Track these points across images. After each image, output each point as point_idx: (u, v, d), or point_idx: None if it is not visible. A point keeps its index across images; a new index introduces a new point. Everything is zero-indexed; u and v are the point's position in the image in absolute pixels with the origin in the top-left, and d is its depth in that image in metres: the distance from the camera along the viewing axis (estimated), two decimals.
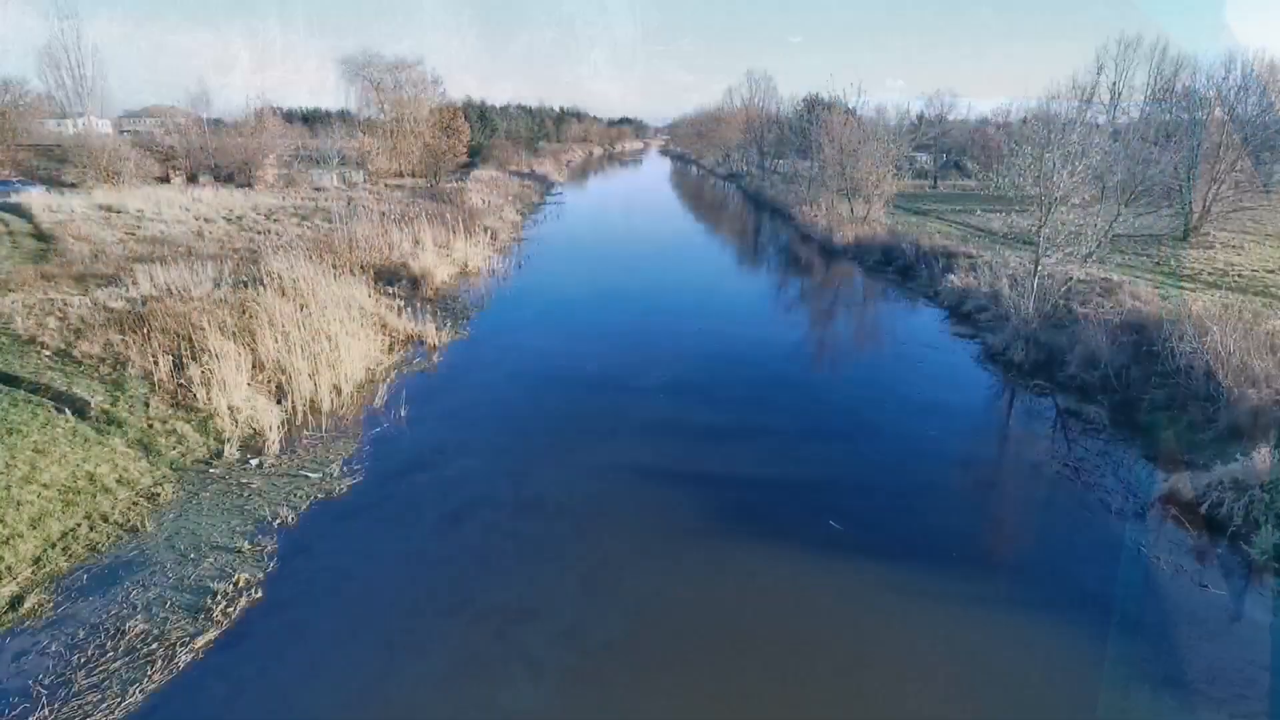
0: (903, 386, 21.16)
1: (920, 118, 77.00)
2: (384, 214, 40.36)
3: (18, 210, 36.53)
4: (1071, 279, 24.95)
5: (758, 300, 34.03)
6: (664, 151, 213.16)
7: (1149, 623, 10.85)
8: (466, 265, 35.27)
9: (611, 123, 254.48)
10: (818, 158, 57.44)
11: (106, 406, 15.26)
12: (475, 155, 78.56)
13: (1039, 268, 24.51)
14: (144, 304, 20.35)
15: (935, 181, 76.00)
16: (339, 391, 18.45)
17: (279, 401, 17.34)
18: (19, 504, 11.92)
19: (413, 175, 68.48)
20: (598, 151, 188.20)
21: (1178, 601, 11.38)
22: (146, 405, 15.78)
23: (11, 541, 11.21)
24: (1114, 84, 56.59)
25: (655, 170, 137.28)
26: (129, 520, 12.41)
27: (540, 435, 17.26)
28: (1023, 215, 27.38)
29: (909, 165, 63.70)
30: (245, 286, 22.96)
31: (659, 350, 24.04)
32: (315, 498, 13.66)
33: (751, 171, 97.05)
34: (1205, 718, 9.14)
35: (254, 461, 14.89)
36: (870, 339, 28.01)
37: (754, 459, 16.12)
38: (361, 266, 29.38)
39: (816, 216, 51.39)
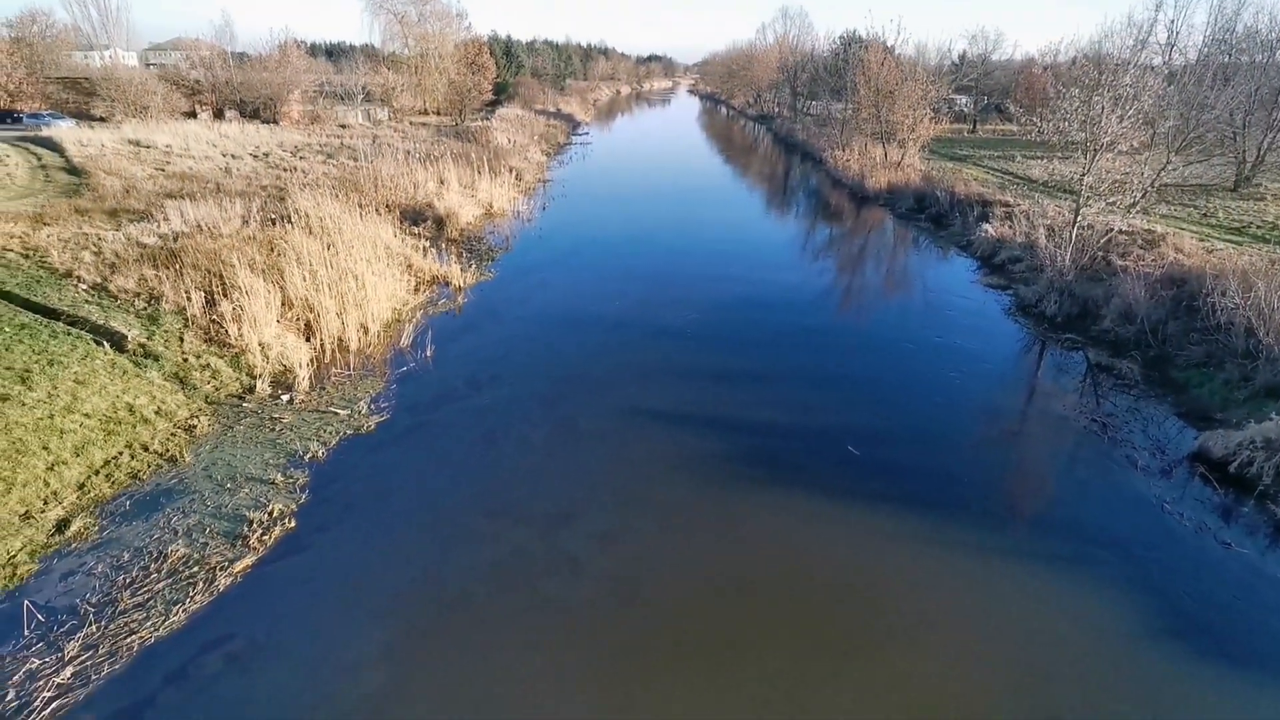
0: (929, 336, 20.86)
1: (962, 57, 73.60)
2: (409, 153, 40.04)
3: (50, 144, 36.84)
4: (1112, 230, 24.11)
5: (785, 246, 33.46)
6: (693, 91, 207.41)
7: (1166, 578, 10.84)
8: (491, 206, 35.02)
9: (640, 60, 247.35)
10: (852, 99, 55.40)
11: (143, 340, 15.64)
12: (501, 93, 77.10)
13: (1079, 218, 23.69)
14: (175, 240, 20.61)
15: (974, 125, 73.18)
16: (366, 331, 18.69)
17: (308, 339, 17.62)
18: (62, 432, 12.39)
19: (437, 113, 67.53)
20: (625, 90, 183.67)
21: (1198, 558, 11.34)
22: (181, 340, 16.14)
23: (56, 468, 11.71)
24: (1172, 22, 53.38)
25: (684, 111, 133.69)
26: (168, 450, 12.86)
27: (567, 372, 17.54)
28: (1065, 162, 26.36)
29: (947, 108, 61.15)
30: (273, 224, 23.10)
31: (684, 293, 23.92)
32: (344, 434, 14.01)
33: (783, 113, 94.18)
34: (1220, 674, 9.21)
35: (285, 397, 15.25)
36: (898, 287, 27.50)
37: (776, 400, 16.15)
38: (387, 206, 29.34)
39: (849, 161, 49.95)
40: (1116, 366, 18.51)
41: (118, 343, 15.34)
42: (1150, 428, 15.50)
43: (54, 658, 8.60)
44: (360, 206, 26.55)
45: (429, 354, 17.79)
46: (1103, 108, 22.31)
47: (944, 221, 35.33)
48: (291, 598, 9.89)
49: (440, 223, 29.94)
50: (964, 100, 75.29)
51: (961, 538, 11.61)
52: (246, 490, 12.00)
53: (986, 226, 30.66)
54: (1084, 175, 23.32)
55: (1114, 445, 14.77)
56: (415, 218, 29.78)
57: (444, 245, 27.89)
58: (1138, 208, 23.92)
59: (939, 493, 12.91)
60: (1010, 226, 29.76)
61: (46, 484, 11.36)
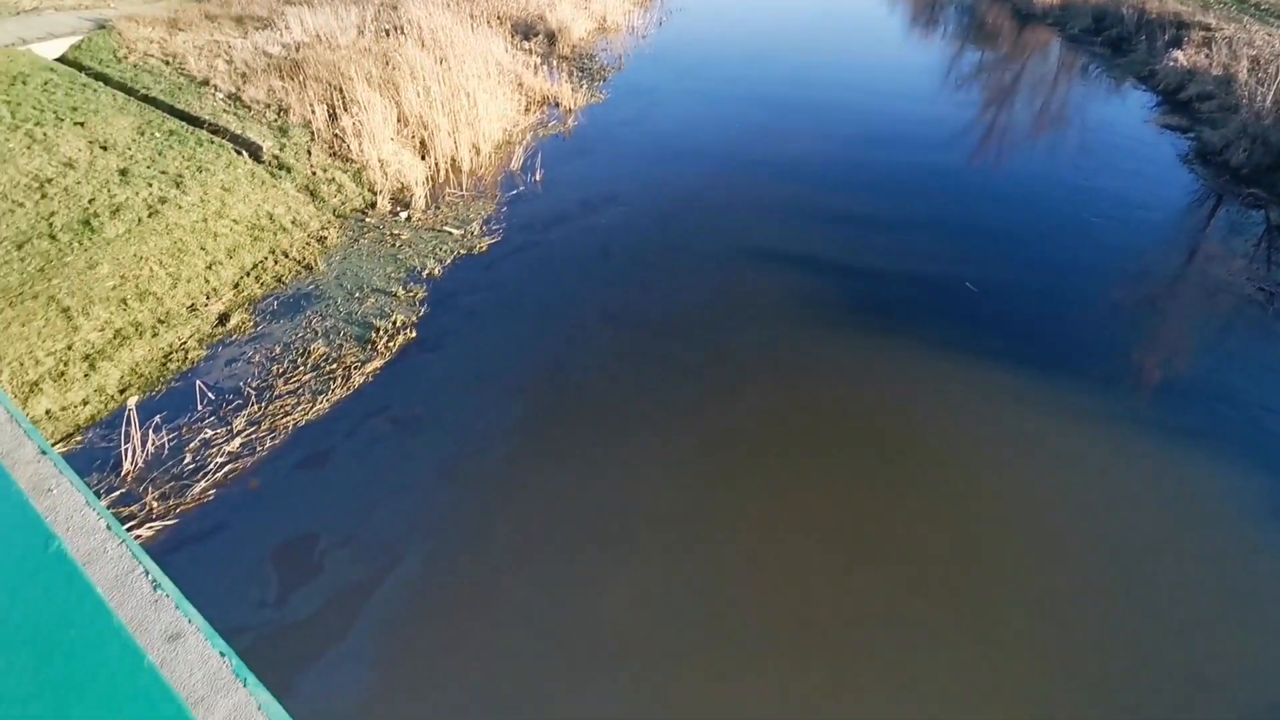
0: (1083, 184, 18.69)
1: None
2: None
3: None
4: None
5: (925, 74, 29.90)
6: None
7: None
8: (605, 20, 32.85)
9: None
10: None
11: (276, 152, 16.44)
12: None
13: None
14: (297, 50, 20.86)
15: None
16: (478, 151, 18.78)
17: (422, 158, 17.96)
18: (216, 235, 13.60)
19: None
20: None
21: None
22: (309, 153, 16.85)
23: (214, 267, 13.00)
24: None
25: None
26: (304, 258, 13.93)
27: (681, 198, 17.30)
28: None
29: None
30: (387, 35, 22.80)
31: (807, 122, 22.27)
32: (458, 253, 14.61)
33: None
34: None
35: (402, 215, 15.91)
36: (1053, 124, 24.33)
37: (894, 244, 15.32)
38: (498, 17, 28.15)
39: None
40: None
41: (255, 153, 16.22)
42: None
43: (224, 430, 10.07)
44: (471, 17, 25.60)
45: (538, 177, 17.80)
46: None
47: (1124, 46, 30.22)
48: (423, 390, 11.06)
49: (551, 38, 28.57)
50: None
51: (1086, 404, 11.09)
52: (372, 300, 12.97)
53: (1177, 54, 26.02)
54: None
55: (1279, 318, 13.25)
56: (526, 31, 28.51)
57: (555, 62, 26.80)
58: None
59: (1069, 355, 12.20)
60: (1207, 55, 25.11)
61: (207, 281, 12.70)
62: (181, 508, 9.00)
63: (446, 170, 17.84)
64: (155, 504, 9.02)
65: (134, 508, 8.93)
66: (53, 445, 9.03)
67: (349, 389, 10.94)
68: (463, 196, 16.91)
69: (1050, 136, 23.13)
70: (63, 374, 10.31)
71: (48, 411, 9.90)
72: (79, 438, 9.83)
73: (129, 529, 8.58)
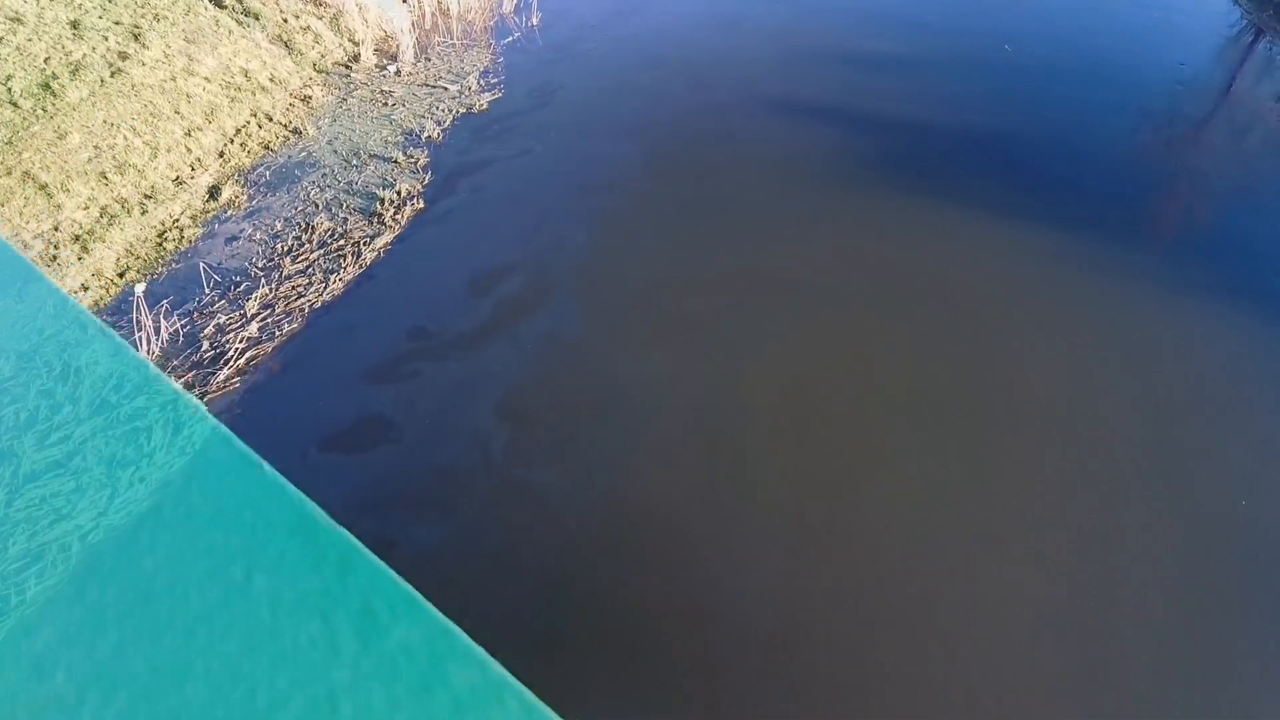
0: (1118, 19, 17.29)
1: None
2: None
3: None
4: None
5: None
6: None
7: None
8: None
9: None
10: None
11: None
12: None
13: None
14: None
15: None
16: None
17: (404, 1, 16.12)
18: (188, 96, 12.35)
19: None
20: None
21: None
22: None
23: (193, 134, 11.92)
24: None
25: None
26: (290, 121, 12.80)
27: (696, 35, 16.14)
28: None
29: None
30: None
31: None
32: (457, 112, 13.48)
33: None
34: None
35: (391, 69, 14.50)
36: None
37: (908, 90, 14.30)
38: None
39: None
40: None
41: None
42: None
43: (237, 314, 9.64)
44: None
45: (534, 21, 16.15)
46: None
47: None
48: (443, 252, 10.46)
49: None
50: None
51: (1098, 256, 10.78)
52: (372, 168, 12.08)
53: None
54: None
55: None
56: None
57: None
58: None
59: (1083, 207, 11.74)
60: None
61: (189, 150, 11.69)
62: (208, 396, 8.78)
63: (433, 16, 16.09)
64: None
65: None
66: None
67: (360, 267, 10.41)
68: (454, 46, 15.37)
69: None
70: (54, 258, 9.68)
71: None
72: None
73: None
